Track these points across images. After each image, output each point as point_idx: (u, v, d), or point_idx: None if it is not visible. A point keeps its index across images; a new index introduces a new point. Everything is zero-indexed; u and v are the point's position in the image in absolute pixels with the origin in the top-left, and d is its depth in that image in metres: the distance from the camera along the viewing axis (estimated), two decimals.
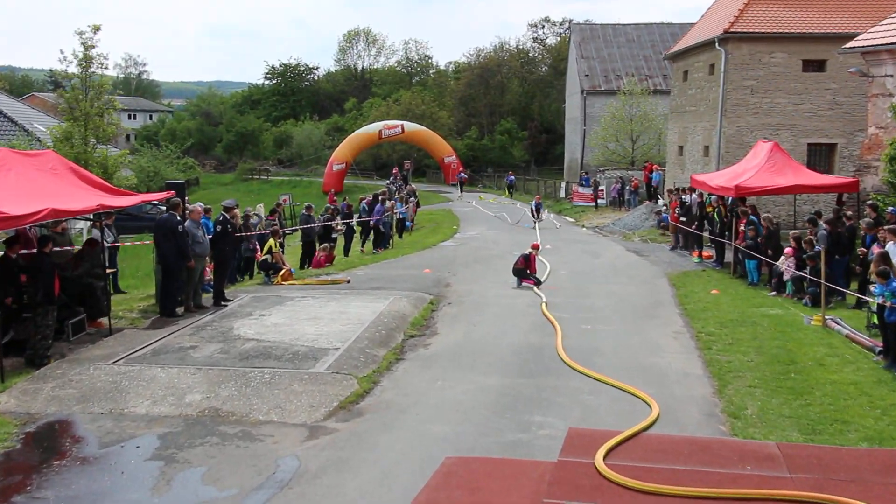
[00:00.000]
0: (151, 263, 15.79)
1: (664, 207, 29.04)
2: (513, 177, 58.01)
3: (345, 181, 63.73)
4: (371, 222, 25.06)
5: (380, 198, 27.09)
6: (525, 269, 17.75)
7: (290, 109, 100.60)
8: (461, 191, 55.56)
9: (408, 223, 31.09)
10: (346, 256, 24.09)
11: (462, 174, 58.74)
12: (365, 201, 26.55)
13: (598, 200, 39.86)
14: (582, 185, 42.40)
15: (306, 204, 23.84)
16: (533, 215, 32.57)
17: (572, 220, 35.78)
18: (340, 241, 25.24)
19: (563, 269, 20.19)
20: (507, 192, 54.89)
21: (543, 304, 15.10)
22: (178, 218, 13.93)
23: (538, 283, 17.61)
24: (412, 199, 33.53)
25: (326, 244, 22.19)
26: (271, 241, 18.32)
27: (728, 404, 9.32)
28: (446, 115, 76.75)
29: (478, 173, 69.82)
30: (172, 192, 14.84)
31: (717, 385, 10.11)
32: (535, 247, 18.61)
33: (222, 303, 14.96)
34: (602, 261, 22.05)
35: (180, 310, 14.19)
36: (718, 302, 15.46)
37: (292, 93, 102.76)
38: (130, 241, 23.60)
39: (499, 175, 65.79)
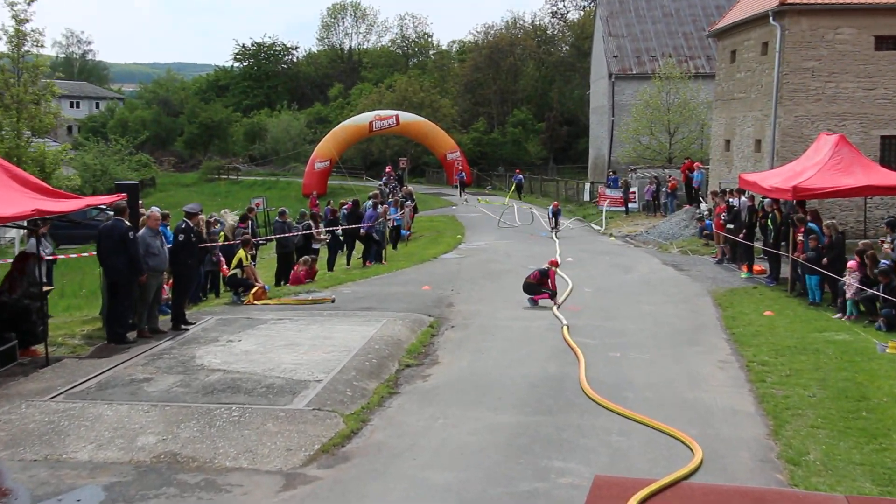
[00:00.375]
0: (97, 280, 15.82)
1: (707, 213, 29.07)
2: (521, 176, 58.32)
3: (329, 182, 63.96)
4: (361, 231, 25.11)
5: (370, 202, 27.14)
6: (538, 286, 17.76)
7: (263, 97, 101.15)
8: (461, 193, 55.77)
9: (403, 231, 31.16)
10: (330, 271, 24.11)
11: (462, 174, 58.93)
12: (345, 207, 26.73)
13: (629, 205, 40.02)
14: (609, 186, 42.52)
15: (280, 209, 23.93)
16: (550, 224, 32.65)
17: (598, 227, 35.84)
18: (323, 253, 25.30)
19: (588, 286, 20.19)
20: (515, 194, 55.08)
21: (564, 328, 15.08)
22: (129, 224, 13.94)
23: (553, 296, 17.64)
24: (409, 202, 33.61)
25: (307, 257, 22.23)
26: (241, 253, 18.38)
27: (786, 448, 9.28)
28: (449, 104, 77.09)
29: (486, 173, 69.99)
30: (123, 194, 14.87)
31: (772, 425, 10.07)
32: (555, 264, 18.56)
33: (182, 326, 14.96)
34: (634, 276, 22.05)
35: (132, 335, 14.18)
36: (773, 325, 15.43)
37: (266, 77, 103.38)
38: (72, 252, 23.60)
39: (512, 174, 65.92)
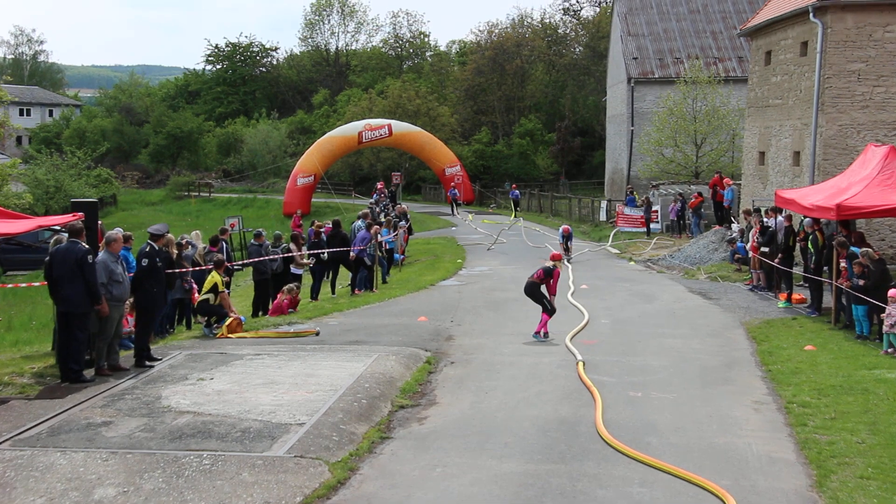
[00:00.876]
0: (49, 310, 15.84)
1: (739, 234, 29.14)
2: (517, 191, 58.65)
3: (313, 200, 64.16)
4: (351, 254, 25.18)
5: (361, 221, 27.20)
6: (539, 286, 17.78)
7: (239, 104, 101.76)
8: (454, 211, 56.04)
9: (397, 255, 31.21)
10: (314, 300, 24.13)
11: (455, 191, 59.25)
12: (324, 230, 26.84)
13: (651, 225, 40.12)
14: (628, 204, 42.65)
15: (256, 231, 24.00)
16: (563, 249, 32.67)
17: (616, 251, 35.89)
18: (307, 280, 25.34)
19: (605, 318, 20.22)
20: (512, 211, 55.42)
21: (579, 365, 15.10)
22: (86, 247, 13.97)
23: (551, 312, 17.71)
24: (402, 223, 33.70)
25: (292, 285, 22.31)
26: (216, 276, 18.38)
27: (832, 502, 9.26)
28: (448, 112, 77.53)
29: (490, 189, 70.19)
30: (80, 214, 14.92)
31: (815, 475, 10.06)
32: (557, 258, 18.53)
33: (147, 363, 14.97)
34: (656, 306, 22.07)
35: (89, 373, 14.18)
36: (815, 361, 15.44)
37: (243, 82, 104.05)
38: (21, 280, 23.68)
39: (520, 191, 66.08)
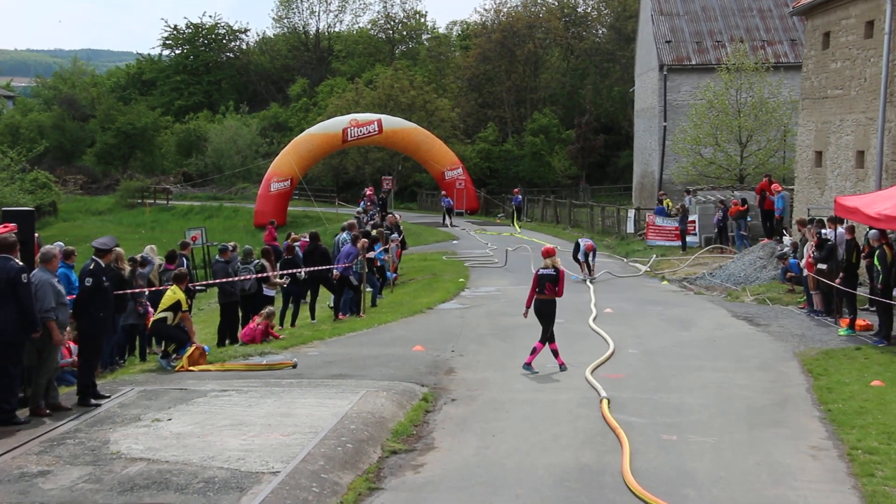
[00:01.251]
0: None
1: (792, 249, 29.12)
2: (520, 197, 59.05)
3: (290, 208, 64.22)
4: (335, 272, 25.17)
5: (346, 234, 27.21)
6: (555, 303, 17.85)
7: (203, 96, 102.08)
8: (447, 221, 56.22)
9: (388, 273, 31.21)
10: (290, 326, 24.09)
11: (447, 199, 59.45)
12: (300, 244, 26.71)
13: (687, 238, 40.07)
14: (660, 214, 42.59)
15: (221, 245, 23.91)
16: (585, 266, 32.62)
17: (646, 268, 35.88)
18: (277, 304, 25.32)
19: (633, 347, 20.20)
20: (513, 220, 55.66)
21: (603, 403, 15.06)
22: (20, 265, 13.92)
23: (551, 338, 17.79)
24: (395, 236, 33.73)
25: (271, 308, 22.32)
26: (178, 292, 18.28)
27: None
28: (448, 106, 77.76)
29: (497, 196, 70.32)
30: (12, 225, 14.90)
31: None
32: (552, 252, 18.36)
33: (92, 401, 14.91)
34: (694, 333, 22.06)
35: (23, 413, 14.14)
36: (884, 399, 15.40)
37: (207, 70, 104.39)
38: None
39: (532, 198, 66.22)
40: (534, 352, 17.89)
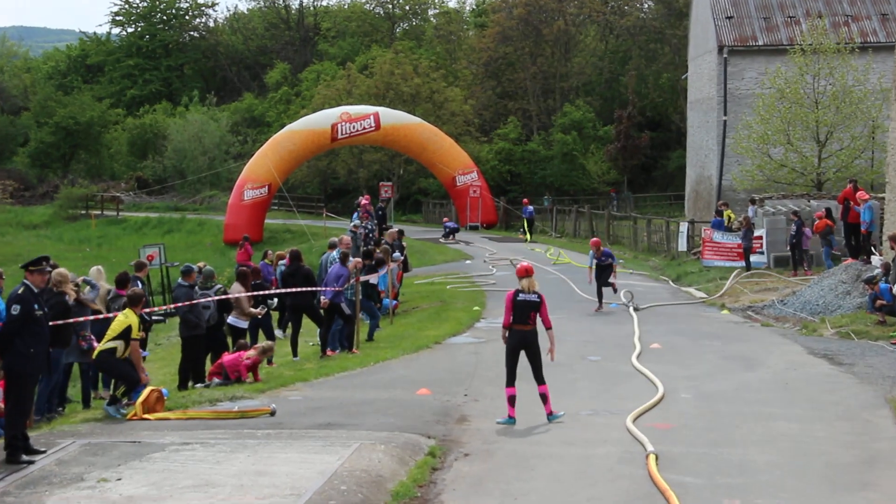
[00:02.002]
0: None
1: (883, 271, 28.97)
2: (531, 208, 59.34)
3: (267, 221, 64.21)
4: (323, 298, 25.12)
5: (335, 252, 27.17)
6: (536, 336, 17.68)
7: (161, 84, 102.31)
8: (447, 237, 56.54)
9: (387, 301, 31.15)
10: (267, 364, 24.07)
11: (450, 223, 59.57)
12: (284, 260, 26.71)
13: (753, 257, 39.86)
14: (718, 228, 42.34)
15: (184, 266, 23.79)
16: (591, 270, 32.53)
17: (702, 294, 35.77)
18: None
19: (686, 391, 20.11)
20: (526, 233, 55.82)
21: (650, 459, 14.99)
22: None
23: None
24: (396, 255, 33.68)
25: (271, 342, 22.41)
26: (131, 316, 18.18)
27: None
28: (460, 97, 77.77)
29: (520, 207, 70.18)
30: None
31: None
32: (528, 272, 18.08)
33: (24, 458, 14.87)
34: (761, 374, 21.97)
35: None
36: None
37: (166, 52, 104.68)
38: None
39: (562, 209, 66.16)
40: (545, 399, 17.70)
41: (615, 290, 32.67)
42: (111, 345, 18.01)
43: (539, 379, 17.76)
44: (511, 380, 17.63)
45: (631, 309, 31.38)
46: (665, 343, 25.57)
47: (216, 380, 21.94)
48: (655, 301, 33.96)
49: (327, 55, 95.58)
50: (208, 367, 22.81)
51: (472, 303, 33.69)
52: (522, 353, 17.74)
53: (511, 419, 17.47)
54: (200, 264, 24.02)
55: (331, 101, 72.81)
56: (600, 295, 32.00)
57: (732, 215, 43.28)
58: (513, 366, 17.71)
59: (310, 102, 78.53)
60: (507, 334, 17.85)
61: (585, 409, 18.05)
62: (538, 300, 17.72)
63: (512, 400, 17.53)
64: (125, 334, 17.92)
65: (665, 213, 63.74)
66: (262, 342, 22.72)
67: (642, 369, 21.95)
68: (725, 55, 52.40)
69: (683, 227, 48.33)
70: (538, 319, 17.75)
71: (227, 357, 22.05)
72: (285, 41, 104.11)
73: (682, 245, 47.07)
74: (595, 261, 31.99)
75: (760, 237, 40.44)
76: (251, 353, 21.95)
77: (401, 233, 38.10)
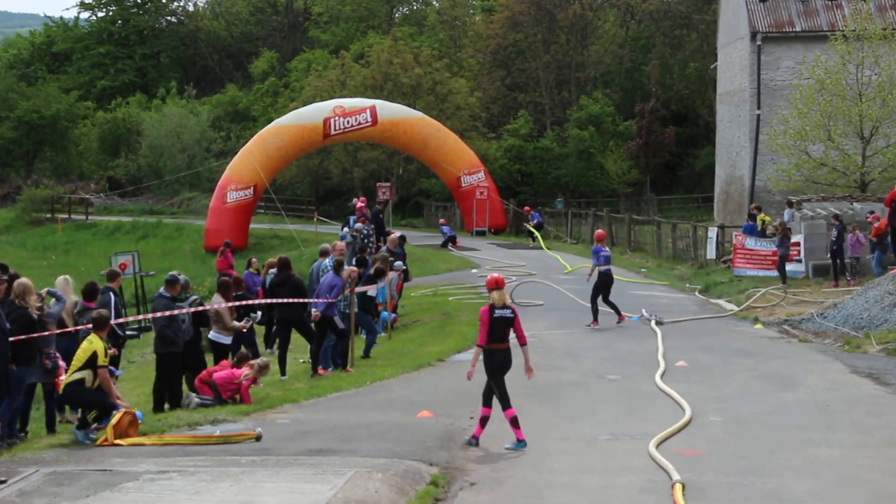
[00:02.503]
0: None
1: None
2: (538, 215, 60.37)
3: (252, 226, 64.19)
4: (314, 310, 25.09)
5: (328, 260, 27.15)
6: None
7: (135, 74, 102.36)
8: (445, 244, 56.83)
9: (385, 314, 31.11)
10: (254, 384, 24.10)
11: (446, 227, 59.40)
12: (271, 267, 26.73)
13: (789, 266, 39.75)
14: (751, 233, 42.24)
15: (169, 276, 23.74)
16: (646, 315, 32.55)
17: (733, 306, 35.73)
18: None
19: (716, 413, 20.11)
20: (538, 240, 56.45)
21: (676, 489, 14.98)
22: None
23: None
24: (399, 264, 33.65)
25: (266, 359, 22.38)
26: (95, 342, 18.20)
27: None
28: (466, 88, 77.67)
29: (533, 210, 70.15)
30: None
31: None
32: (499, 283, 18.10)
33: None
34: (799, 395, 21.96)
35: None
36: None
37: (140, 39, 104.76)
38: None
39: (578, 212, 66.08)
40: (515, 423, 17.62)
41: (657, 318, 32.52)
42: (78, 376, 17.98)
43: (487, 401, 17.87)
44: (506, 401, 17.65)
45: (653, 323, 31.38)
46: (692, 361, 25.58)
47: (195, 398, 21.91)
48: (681, 314, 33.96)
49: (319, 42, 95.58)
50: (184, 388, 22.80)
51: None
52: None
53: (521, 443, 17.51)
54: (178, 274, 23.88)
55: (323, 93, 72.76)
56: (597, 312, 31.78)
57: (767, 219, 43.18)
58: (503, 385, 17.73)
59: (300, 95, 78.55)
60: (471, 372, 17.93)
61: (604, 433, 18.04)
62: (513, 315, 17.89)
63: (515, 422, 17.55)
64: (91, 362, 17.88)
65: (692, 216, 63.68)
66: (259, 358, 22.63)
67: (667, 389, 21.95)
68: (759, 42, 52.36)
69: (712, 232, 48.31)
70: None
71: (219, 374, 22.02)
72: (272, 27, 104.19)
73: (711, 252, 47.05)
74: (599, 264, 31.41)
75: (798, 244, 40.35)
76: (247, 371, 21.90)
77: (402, 239, 38.05)
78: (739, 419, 19.74)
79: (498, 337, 17.73)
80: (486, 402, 17.82)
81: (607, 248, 32.38)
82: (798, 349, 28.00)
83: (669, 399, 21.15)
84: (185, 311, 22.51)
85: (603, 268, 31.30)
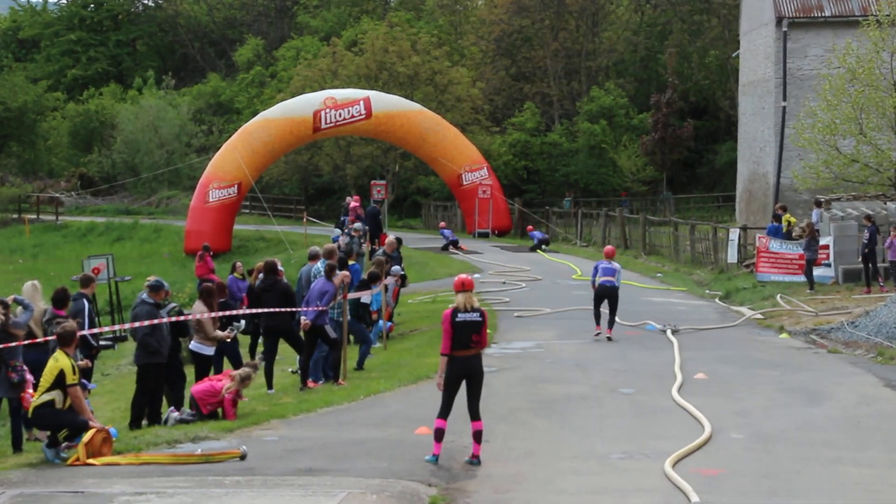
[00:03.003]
0: None
1: None
2: (539, 233, 60.31)
3: (237, 227, 64.13)
4: (303, 318, 25.08)
5: (319, 264, 27.15)
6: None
7: (109, 63, 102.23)
8: (446, 248, 57.06)
9: (382, 323, 31.10)
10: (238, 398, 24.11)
11: (447, 231, 59.36)
12: (258, 271, 26.79)
13: (817, 270, 39.72)
14: (776, 235, 42.21)
15: (150, 281, 23.71)
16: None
17: (757, 314, 35.71)
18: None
19: (738, 430, 20.11)
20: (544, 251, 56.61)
21: None
22: None
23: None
24: (397, 268, 33.63)
25: (248, 369, 22.37)
26: (63, 360, 18.21)
27: None
28: (468, 79, 77.58)
29: (539, 209, 70.16)
30: None
31: None
32: (468, 285, 17.88)
33: None
34: (827, 410, 21.96)
35: None
36: None
37: (115, 25, 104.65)
38: None
39: (589, 212, 66.03)
40: (439, 436, 17.54)
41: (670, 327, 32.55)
42: (47, 397, 17.84)
43: (475, 414, 17.67)
44: (445, 412, 17.53)
45: (669, 332, 31.39)
46: (712, 373, 25.55)
47: (174, 414, 21.93)
48: (700, 323, 33.97)
49: (308, 29, 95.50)
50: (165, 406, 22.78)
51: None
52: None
53: (434, 457, 17.42)
54: (151, 278, 23.77)
55: (313, 83, 72.71)
56: (598, 316, 31.66)
57: (793, 220, 43.16)
58: (450, 397, 17.60)
59: (287, 85, 78.48)
60: (440, 381, 17.73)
61: (616, 451, 18.05)
62: (480, 319, 17.64)
63: (439, 435, 17.42)
64: (59, 382, 17.77)
65: (712, 217, 63.62)
66: (242, 369, 22.60)
67: (684, 404, 21.94)
68: (785, 28, 52.32)
69: (734, 234, 48.23)
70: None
71: (197, 387, 22.03)
72: (258, 12, 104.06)
73: (733, 256, 46.99)
74: (601, 276, 31.09)
75: (826, 247, 40.32)
76: (228, 383, 21.89)
77: (399, 241, 38.02)
78: (763, 436, 19.73)
79: (461, 343, 17.47)
80: (473, 416, 17.74)
81: (613, 263, 31.57)
82: (827, 360, 28.00)
83: (687, 414, 21.15)
84: (165, 320, 22.51)
85: (602, 279, 31.06)
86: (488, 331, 31.82)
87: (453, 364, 17.52)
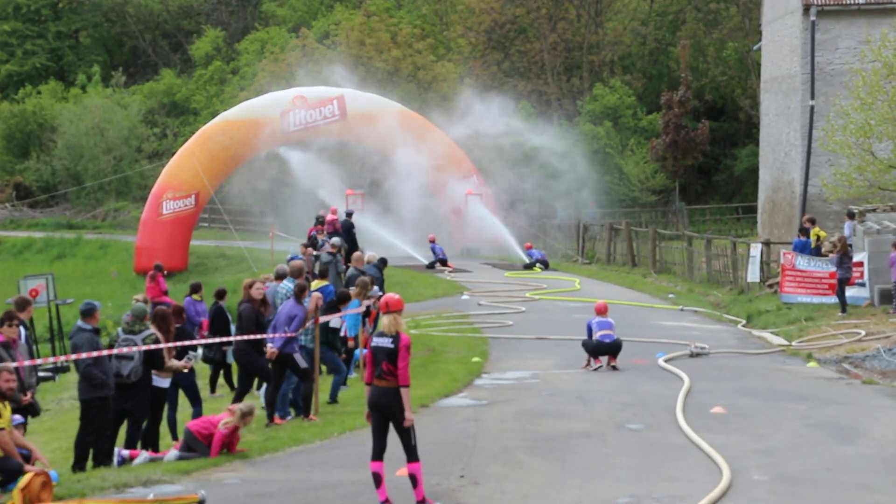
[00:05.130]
0: None
1: None
2: (537, 251, 60.67)
3: (194, 242, 64.03)
4: (268, 348, 25.04)
5: (283, 285, 27.17)
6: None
7: (48, 57, 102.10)
8: (432, 266, 57.32)
9: (358, 351, 31.07)
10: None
11: (439, 247, 59.32)
12: (222, 297, 26.89)
13: (850, 290, 39.69)
14: (803, 251, 42.18)
15: (85, 304, 23.65)
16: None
17: (782, 339, 35.75)
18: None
19: (760, 471, 20.13)
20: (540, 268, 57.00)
21: None
22: None
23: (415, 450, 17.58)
24: (376, 290, 33.64)
25: (251, 403, 22.39)
26: None
27: None
28: (454, 74, 77.65)
29: (537, 221, 70.19)
30: None
31: None
32: (395, 305, 17.52)
33: None
34: (862, 448, 21.98)
35: None
36: None
37: (55, 15, 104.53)
38: None
39: (592, 225, 66.07)
40: (377, 481, 17.39)
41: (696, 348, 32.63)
42: None
43: (407, 454, 17.40)
44: (374, 451, 17.40)
45: (691, 351, 31.47)
46: (731, 406, 25.55)
47: (146, 454, 21.90)
48: (717, 349, 34.00)
49: (274, 19, 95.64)
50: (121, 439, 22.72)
51: (470, 352, 33.61)
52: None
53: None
54: (138, 296, 23.81)
55: (279, 80, 72.74)
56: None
57: (822, 234, 43.11)
58: (375, 433, 17.45)
59: (251, 83, 78.52)
60: (367, 412, 17.71)
61: (623, 495, 18.06)
62: (392, 346, 17.19)
63: (376, 480, 17.29)
64: None
65: (730, 230, 63.78)
66: (243, 403, 22.53)
67: (699, 442, 21.94)
68: (813, 17, 52.36)
69: (755, 249, 48.17)
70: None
71: (193, 422, 21.97)
72: (217, 0, 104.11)
73: (754, 274, 46.93)
74: (598, 332, 31.02)
75: (861, 264, 40.27)
76: (227, 417, 21.82)
77: (383, 262, 37.98)
78: (789, 478, 19.74)
79: (374, 372, 17.34)
80: (407, 457, 17.45)
81: (605, 318, 31.40)
82: (861, 392, 27.99)
83: (702, 453, 21.15)
84: (136, 349, 22.45)
85: (601, 333, 30.96)
86: (477, 359, 32.17)
87: (370, 394, 17.45)
